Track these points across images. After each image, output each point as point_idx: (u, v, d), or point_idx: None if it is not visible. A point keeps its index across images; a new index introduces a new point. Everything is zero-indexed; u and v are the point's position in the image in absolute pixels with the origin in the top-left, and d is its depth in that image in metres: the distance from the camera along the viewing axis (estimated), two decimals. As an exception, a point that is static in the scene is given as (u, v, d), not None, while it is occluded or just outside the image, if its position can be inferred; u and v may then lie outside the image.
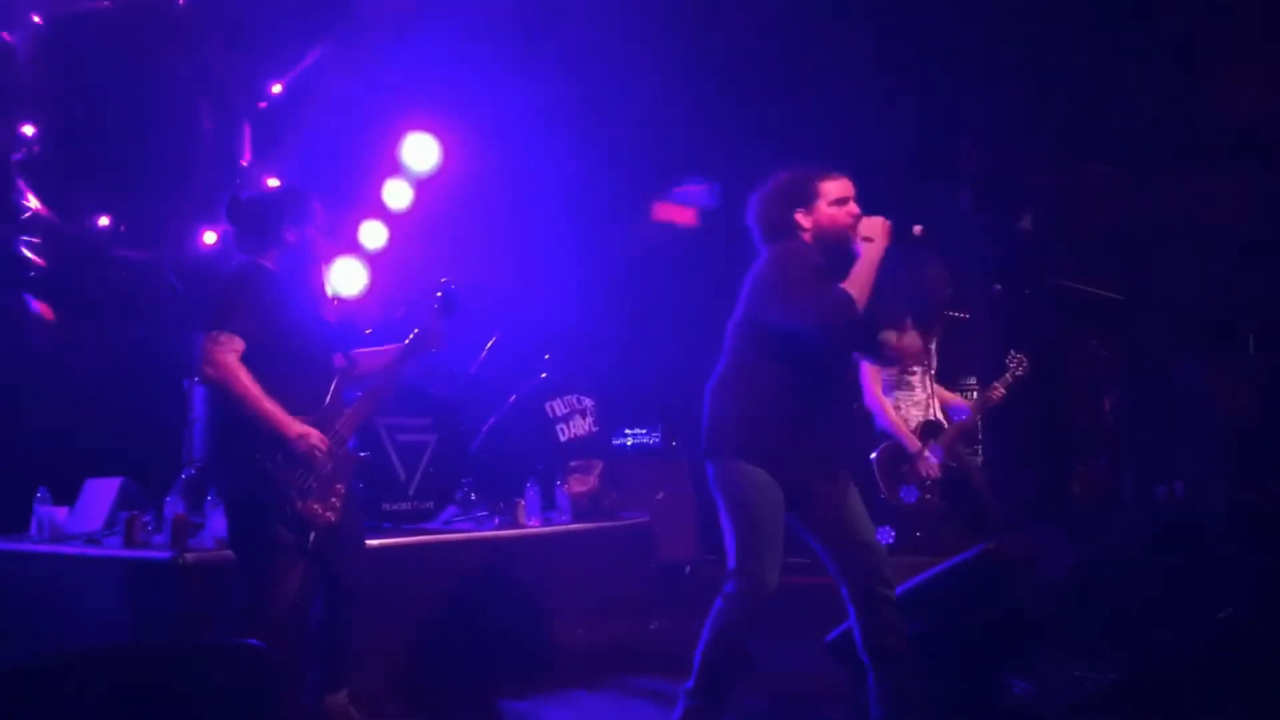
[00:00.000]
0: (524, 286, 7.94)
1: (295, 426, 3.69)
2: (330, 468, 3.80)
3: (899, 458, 5.64)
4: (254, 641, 2.48)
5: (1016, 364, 5.73)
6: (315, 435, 3.72)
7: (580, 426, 6.63)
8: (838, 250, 3.77)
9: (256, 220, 3.94)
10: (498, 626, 5.25)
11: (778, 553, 3.70)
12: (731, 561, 3.72)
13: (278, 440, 3.66)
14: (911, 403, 5.71)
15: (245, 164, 7.25)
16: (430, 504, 5.81)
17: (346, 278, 7.59)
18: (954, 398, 5.89)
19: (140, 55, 6.90)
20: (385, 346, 4.21)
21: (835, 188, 3.82)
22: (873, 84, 7.06)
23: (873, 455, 5.68)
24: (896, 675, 3.66)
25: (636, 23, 7.01)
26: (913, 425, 5.67)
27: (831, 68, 7.23)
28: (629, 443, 8.00)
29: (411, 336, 4.14)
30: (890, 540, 5.47)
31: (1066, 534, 5.44)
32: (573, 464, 6.45)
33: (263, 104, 7.58)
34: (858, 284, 3.65)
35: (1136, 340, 7.06)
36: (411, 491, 5.72)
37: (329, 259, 4.23)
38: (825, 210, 3.80)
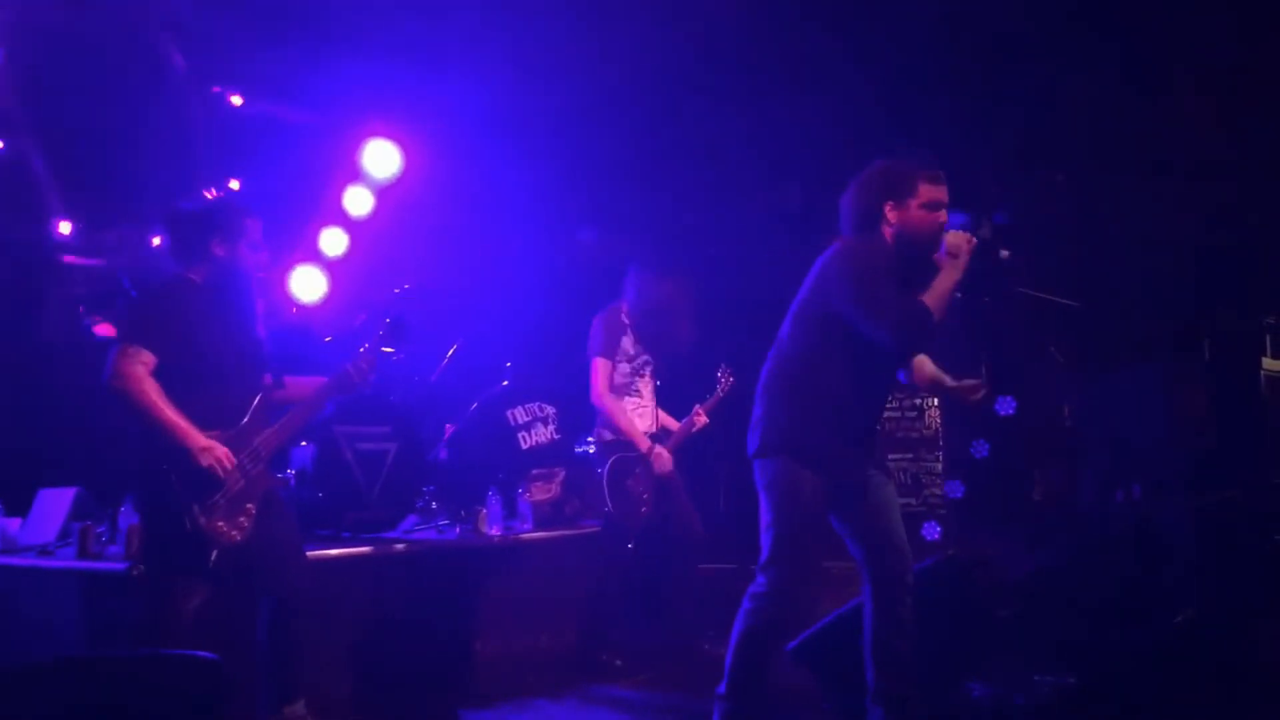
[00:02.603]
0: (485, 294, 7.92)
1: (199, 440, 3.64)
2: (241, 485, 3.76)
3: (628, 468, 5.57)
4: (206, 654, 2.45)
5: (725, 375, 5.87)
6: (220, 450, 3.67)
7: (542, 434, 6.62)
8: (913, 253, 3.76)
9: (188, 233, 3.92)
10: (460, 635, 5.23)
11: (812, 559, 3.74)
12: (763, 555, 3.72)
13: (182, 453, 3.62)
14: (639, 410, 5.66)
15: (203, 170, 7.19)
16: (391, 513, 5.77)
17: (306, 285, 7.54)
18: (665, 418, 5.89)
19: (96, 60, 6.83)
20: (315, 378, 4.19)
21: (932, 191, 3.76)
22: (830, 93, 7.10)
23: (601, 469, 5.60)
24: (898, 677, 3.69)
25: (599, 28, 7.01)
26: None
27: (789, 76, 7.26)
28: (591, 450, 7.98)
29: (341, 372, 4.13)
30: (936, 536, 5.43)
31: (1026, 538, 5.48)
32: (535, 472, 6.43)
33: (222, 110, 7.52)
34: (936, 299, 3.64)
35: (1094, 347, 7.14)
36: (372, 500, 5.68)
37: (267, 273, 4.16)
38: (916, 211, 3.76)
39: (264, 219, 4.03)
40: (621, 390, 5.64)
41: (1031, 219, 7.11)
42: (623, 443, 5.58)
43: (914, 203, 3.76)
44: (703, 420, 5.81)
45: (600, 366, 5.54)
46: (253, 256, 3.96)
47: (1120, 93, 6.87)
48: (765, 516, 3.76)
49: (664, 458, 5.55)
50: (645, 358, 5.65)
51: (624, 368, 5.60)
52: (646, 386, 5.71)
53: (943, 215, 3.77)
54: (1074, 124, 7.11)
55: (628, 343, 5.60)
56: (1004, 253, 3.77)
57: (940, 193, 3.78)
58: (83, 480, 5.37)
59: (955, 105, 7.10)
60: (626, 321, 5.63)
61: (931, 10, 6.68)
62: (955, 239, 3.70)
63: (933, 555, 4.39)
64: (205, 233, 3.89)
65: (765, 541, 3.74)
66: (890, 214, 3.78)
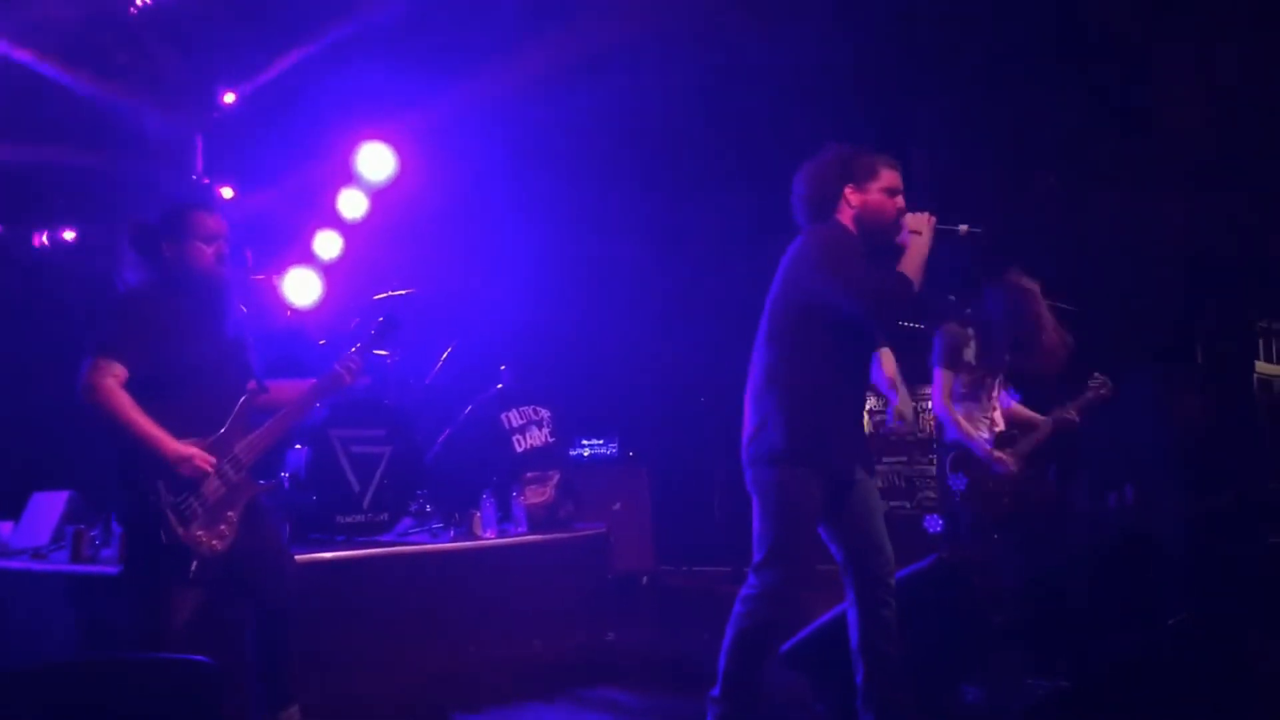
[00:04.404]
0: (479, 297, 7.92)
1: (175, 448, 3.60)
2: (221, 494, 3.71)
3: (969, 464, 5.45)
4: (200, 657, 2.45)
5: (1100, 385, 5.57)
6: (198, 456, 3.63)
7: (536, 437, 6.61)
8: (873, 238, 3.80)
9: (137, 241, 3.88)
10: (453, 639, 5.22)
11: (807, 560, 3.73)
12: (757, 557, 3.72)
13: (158, 463, 3.59)
14: (979, 415, 5.49)
15: (198, 174, 7.18)
16: (385, 516, 5.77)
17: (301, 288, 7.53)
18: (1025, 413, 5.76)
19: (93, 65, 6.82)
20: (301, 380, 4.13)
21: (892, 176, 3.82)
22: (822, 92, 7.11)
23: (945, 461, 5.49)
24: (888, 680, 3.70)
25: (590, 33, 7.02)
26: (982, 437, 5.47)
27: (781, 75, 7.26)
28: (586, 453, 7.99)
29: (330, 373, 4.08)
30: (939, 529, 5.39)
31: (1019, 541, 5.48)
32: (529, 475, 6.43)
33: (216, 114, 7.52)
34: (912, 269, 3.68)
35: (1088, 351, 7.15)
36: (366, 503, 5.68)
37: (232, 270, 4.07)
38: (876, 194, 3.80)
39: (218, 211, 3.94)
40: (960, 396, 5.53)
41: (1025, 223, 7.13)
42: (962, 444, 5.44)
43: (874, 186, 3.80)
44: (1073, 418, 5.50)
45: (939, 376, 5.45)
46: (208, 252, 3.85)
47: (1114, 97, 6.89)
48: (762, 520, 3.75)
49: (1002, 461, 5.35)
50: (987, 368, 5.46)
51: (964, 378, 5.50)
52: (989, 395, 5.60)
53: (901, 200, 3.82)
54: (1068, 129, 7.13)
55: (969, 353, 5.50)
56: (962, 227, 3.79)
57: (898, 178, 3.84)
58: (76, 484, 5.36)
59: (950, 110, 7.12)
60: (970, 332, 5.51)
61: (926, 15, 6.70)
62: (915, 219, 3.75)
63: (927, 557, 4.39)
64: (155, 236, 3.84)
65: (761, 544, 3.73)
66: (851, 197, 3.81)
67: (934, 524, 5.59)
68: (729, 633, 3.74)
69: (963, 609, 4.24)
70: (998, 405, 5.58)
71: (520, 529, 5.98)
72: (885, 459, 8.43)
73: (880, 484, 8.46)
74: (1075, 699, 4.25)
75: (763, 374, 3.85)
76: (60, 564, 4.70)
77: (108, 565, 4.47)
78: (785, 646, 4.18)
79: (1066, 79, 6.85)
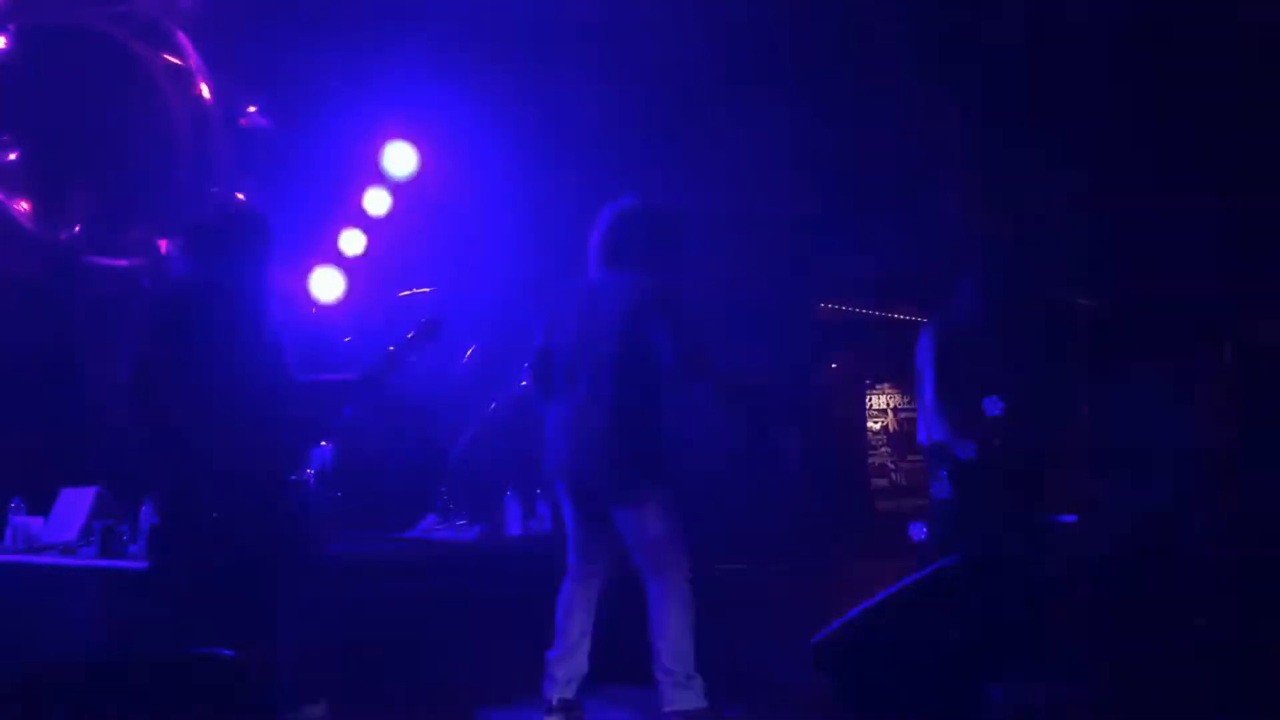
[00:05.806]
0: (503, 294, 7.92)
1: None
2: None
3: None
4: (225, 651, 2.47)
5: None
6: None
7: (560, 434, 6.60)
8: None
9: (209, 240, 3.94)
10: (476, 635, 5.24)
11: None
12: (677, 560, 4.47)
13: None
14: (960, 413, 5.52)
15: (223, 172, 7.22)
16: (409, 512, 5.78)
17: (325, 285, 7.56)
18: None
19: (118, 61, 6.87)
20: (337, 377, 4.21)
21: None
22: (855, 92, 7.09)
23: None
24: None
25: (609, 34, 7.02)
26: None
27: (808, 76, 7.25)
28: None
29: (365, 373, 4.16)
30: (923, 537, 5.44)
31: (1044, 541, 5.46)
32: (553, 472, 6.42)
33: (241, 111, 7.55)
34: None
35: (1116, 347, 7.11)
36: (390, 500, 5.70)
37: (286, 279, 4.20)
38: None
39: (278, 222, 4.06)
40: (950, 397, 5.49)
41: (1055, 218, 7.09)
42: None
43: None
44: None
45: (930, 375, 5.41)
46: (274, 263, 4.01)
47: (1141, 91, 6.84)
48: (659, 537, 4.40)
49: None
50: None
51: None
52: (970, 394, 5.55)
53: None
54: (1100, 124, 7.08)
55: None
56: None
57: None
58: (104, 480, 5.40)
59: (979, 105, 7.08)
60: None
61: (952, 10, 6.67)
62: None
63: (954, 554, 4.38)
64: (226, 240, 3.93)
65: (670, 549, 4.39)
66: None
67: (918, 531, 5.57)
68: (674, 639, 4.32)
69: (987, 608, 4.22)
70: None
71: (545, 526, 5.98)
72: (910, 456, 8.42)
73: (904, 481, 8.47)
74: (1102, 700, 4.23)
75: (627, 415, 4.34)
76: (89, 559, 4.74)
77: (136, 560, 4.50)
78: (817, 637, 4.18)
79: (1096, 73, 6.80)
